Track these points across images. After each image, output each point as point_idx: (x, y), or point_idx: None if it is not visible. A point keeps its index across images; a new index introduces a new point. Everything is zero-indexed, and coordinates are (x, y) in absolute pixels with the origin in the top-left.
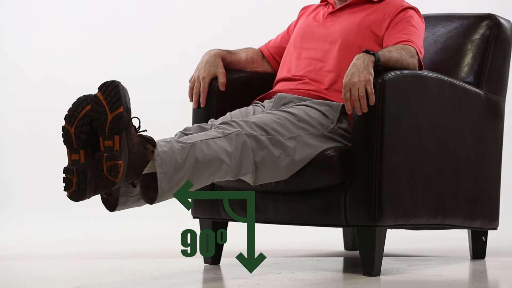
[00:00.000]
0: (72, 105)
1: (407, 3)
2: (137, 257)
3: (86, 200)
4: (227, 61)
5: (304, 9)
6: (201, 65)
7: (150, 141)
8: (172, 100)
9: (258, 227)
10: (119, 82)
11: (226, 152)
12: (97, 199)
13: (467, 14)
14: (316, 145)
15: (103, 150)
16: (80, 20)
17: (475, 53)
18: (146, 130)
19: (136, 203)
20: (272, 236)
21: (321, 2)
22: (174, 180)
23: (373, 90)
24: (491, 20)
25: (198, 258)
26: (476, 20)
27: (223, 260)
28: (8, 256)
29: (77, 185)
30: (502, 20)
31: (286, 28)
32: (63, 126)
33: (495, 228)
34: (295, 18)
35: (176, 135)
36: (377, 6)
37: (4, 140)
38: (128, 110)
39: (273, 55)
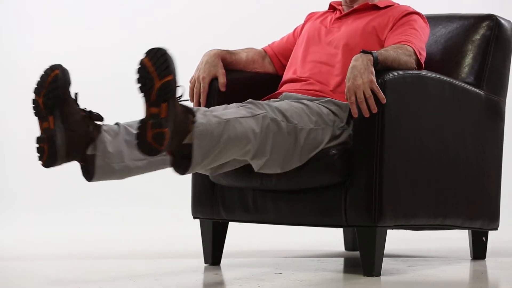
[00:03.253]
0: (40, 77)
1: (413, 8)
2: (137, 257)
3: (87, 200)
4: (227, 61)
5: (311, 14)
6: (201, 66)
7: (191, 111)
8: None
9: (258, 227)
10: (167, 49)
11: (253, 132)
12: (99, 199)
13: (468, 15)
14: (324, 141)
15: (148, 116)
16: (80, 21)
17: (476, 54)
18: (187, 100)
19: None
20: (272, 236)
21: (329, 8)
22: (208, 153)
23: (379, 88)
24: (492, 20)
25: (198, 258)
26: (477, 20)
27: (223, 260)
28: (8, 256)
29: (48, 151)
30: (502, 21)
31: (291, 30)
32: (32, 99)
33: (496, 229)
34: (294, 19)
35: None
36: (383, 11)
37: (4, 140)
38: (176, 79)
39: (277, 55)
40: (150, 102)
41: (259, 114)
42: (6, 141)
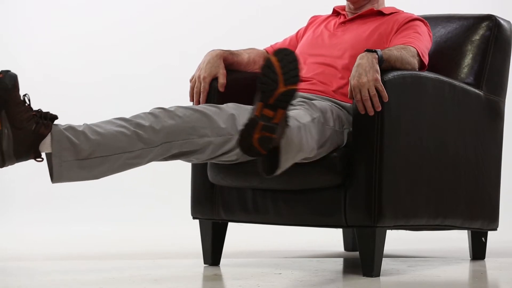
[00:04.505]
0: None
1: (417, 16)
2: (137, 257)
3: (87, 200)
4: (229, 62)
5: (314, 17)
6: (203, 65)
7: (288, 116)
8: (173, 99)
9: (258, 227)
10: (297, 55)
11: (313, 138)
12: (98, 199)
13: (467, 15)
14: (342, 143)
15: (259, 116)
16: (80, 21)
17: (475, 54)
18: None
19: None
20: (272, 237)
21: (332, 13)
22: (290, 156)
23: (383, 87)
24: (491, 21)
25: (198, 259)
26: (476, 21)
27: (223, 260)
28: (8, 256)
29: None
30: (502, 21)
31: (291, 32)
32: None
33: (495, 229)
34: (294, 21)
35: None
36: (387, 17)
37: None
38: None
39: None
40: (266, 104)
41: (316, 117)
42: None
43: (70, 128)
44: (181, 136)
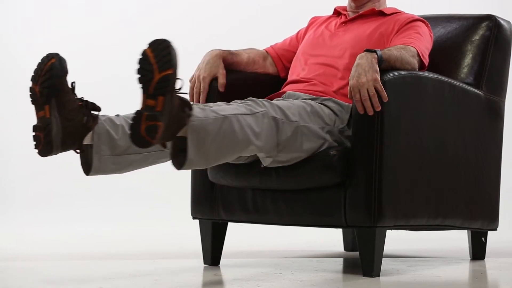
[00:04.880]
0: (37, 65)
1: (418, 16)
2: (137, 258)
3: (87, 200)
4: (228, 62)
5: (314, 18)
6: (202, 65)
7: (188, 104)
8: None
9: (258, 227)
10: (171, 42)
11: (253, 132)
12: (98, 199)
13: (467, 15)
14: (323, 141)
15: (143, 108)
16: (80, 21)
17: (475, 54)
18: (186, 93)
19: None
20: (272, 237)
21: (333, 13)
22: (204, 149)
23: (383, 87)
24: (491, 21)
25: (198, 259)
26: (476, 21)
27: (222, 260)
28: (8, 256)
29: (44, 140)
30: (501, 21)
31: (291, 32)
32: (30, 87)
33: (495, 229)
34: (294, 21)
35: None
36: (388, 17)
37: (4, 140)
38: (176, 73)
39: (280, 57)
40: (147, 94)
41: (259, 112)
42: (6, 141)
43: (110, 120)
44: None
